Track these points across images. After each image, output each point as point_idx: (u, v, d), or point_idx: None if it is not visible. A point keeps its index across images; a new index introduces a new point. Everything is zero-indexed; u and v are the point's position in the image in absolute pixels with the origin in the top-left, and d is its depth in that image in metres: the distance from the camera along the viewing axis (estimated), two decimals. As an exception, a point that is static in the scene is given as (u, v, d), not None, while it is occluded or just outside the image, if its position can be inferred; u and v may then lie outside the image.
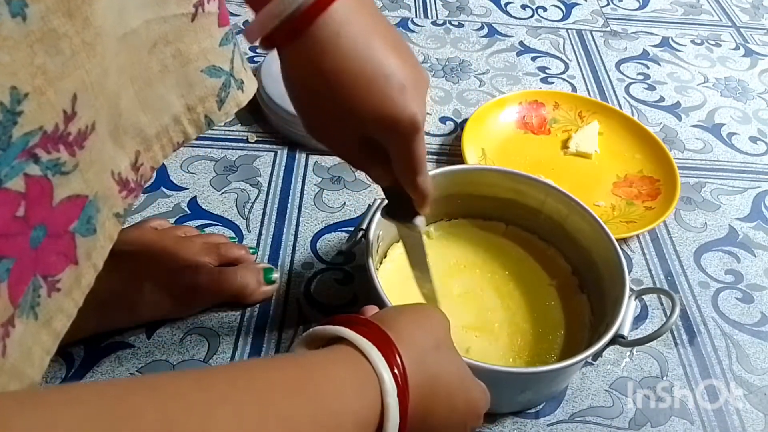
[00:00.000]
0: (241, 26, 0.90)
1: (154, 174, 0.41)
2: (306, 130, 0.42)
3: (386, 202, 0.48)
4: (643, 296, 0.63)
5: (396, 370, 0.31)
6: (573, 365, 0.47)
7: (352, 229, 0.63)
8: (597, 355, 0.56)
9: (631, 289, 0.51)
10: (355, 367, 0.30)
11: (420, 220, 0.46)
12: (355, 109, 0.37)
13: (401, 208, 0.46)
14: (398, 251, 0.60)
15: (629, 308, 0.51)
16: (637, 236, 0.68)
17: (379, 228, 0.53)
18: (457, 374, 0.36)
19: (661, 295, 0.63)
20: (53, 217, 0.30)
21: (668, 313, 0.53)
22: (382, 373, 0.30)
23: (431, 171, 0.49)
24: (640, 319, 0.61)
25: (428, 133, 0.77)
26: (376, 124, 0.38)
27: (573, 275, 0.60)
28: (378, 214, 0.53)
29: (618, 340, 0.49)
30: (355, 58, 0.36)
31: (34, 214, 0.28)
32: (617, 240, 0.54)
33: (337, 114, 0.39)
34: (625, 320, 0.50)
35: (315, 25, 0.36)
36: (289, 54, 0.38)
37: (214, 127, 0.69)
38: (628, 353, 0.58)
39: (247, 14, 0.93)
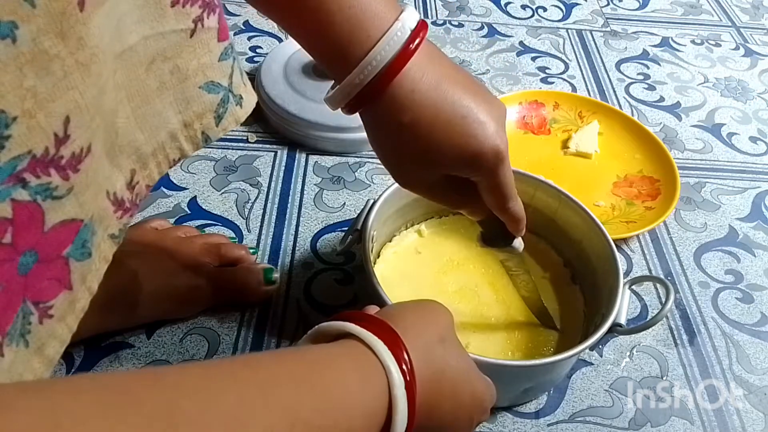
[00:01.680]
0: (241, 26, 0.91)
1: (149, 191, 0.40)
2: (396, 180, 0.45)
3: (481, 230, 0.49)
4: (643, 297, 0.63)
5: (403, 365, 0.31)
6: (574, 355, 0.48)
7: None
8: (594, 346, 0.56)
9: (625, 277, 0.52)
10: (362, 361, 0.30)
11: (518, 242, 0.48)
12: (439, 154, 0.40)
13: (497, 233, 0.47)
14: (391, 251, 0.60)
15: (624, 297, 0.51)
16: (637, 236, 0.68)
17: (373, 228, 0.54)
18: (463, 368, 0.36)
19: (657, 284, 0.63)
20: (45, 243, 0.29)
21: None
22: (389, 366, 0.30)
23: (521, 248, 0.50)
24: (640, 318, 0.61)
25: (428, 133, 0.77)
26: (461, 163, 0.40)
27: (565, 267, 0.61)
28: (372, 215, 0.53)
29: (615, 328, 0.50)
30: (431, 106, 0.39)
31: (23, 240, 0.28)
32: (617, 240, 0.54)
33: (423, 161, 0.41)
34: (621, 309, 0.50)
35: (391, 87, 0.38)
36: (371, 114, 0.41)
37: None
38: (628, 353, 0.58)
39: (247, 14, 0.93)
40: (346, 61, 0.38)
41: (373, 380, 0.30)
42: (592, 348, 0.57)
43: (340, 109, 0.42)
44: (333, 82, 0.42)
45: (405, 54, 0.38)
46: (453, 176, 0.42)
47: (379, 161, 0.75)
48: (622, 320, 0.50)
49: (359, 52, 0.38)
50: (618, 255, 0.53)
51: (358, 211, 0.56)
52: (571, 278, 0.60)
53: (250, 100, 0.46)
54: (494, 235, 0.48)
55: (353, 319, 0.32)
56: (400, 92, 0.38)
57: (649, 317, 0.61)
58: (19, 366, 0.29)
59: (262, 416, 0.25)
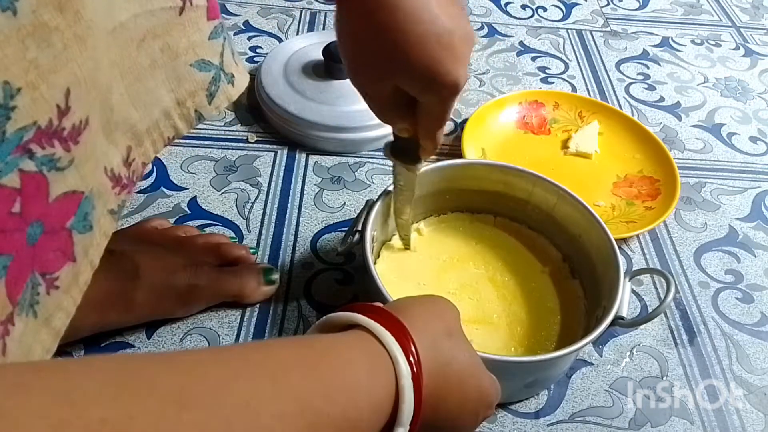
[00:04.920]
0: (241, 26, 0.91)
1: (146, 170, 0.41)
2: (350, 77, 0.43)
3: (392, 140, 0.50)
4: (643, 297, 0.63)
5: (410, 356, 0.31)
6: (578, 350, 0.48)
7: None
8: (597, 339, 0.56)
9: (626, 271, 0.52)
10: (369, 350, 0.30)
11: (421, 164, 0.50)
12: (400, 65, 0.39)
13: (407, 151, 0.49)
14: (390, 250, 0.60)
15: (625, 290, 0.51)
16: (637, 236, 0.68)
17: (374, 228, 0.54)
18: (469, 362, 0.36)
19: (656, 278, 0.64)
20: (50, 214, 0.30)
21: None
22: (397, 356, 0.30)
23: (421, 169, 0.53)
24: (639, 315, 0.61)
25: (428, 133, 0.77)
26: (419, 82, 0.39)
27: (564, 262, 0.61)
28: (372, 215, 0.53)
29: (618, 321, 0.50)
30: (409, 14, 0.37)
31: (30, 211, 0.28)
32: (618, 240, 0.54)
33: (381, 66, 0.40)
34: (622, 302, 0.50)
35: None
36: (347, 6, 0.39)
37: (214, 127, 0.69)
38: (628, 353, 0.58)
39: (247, 14, 0.93)
40: None
41: (381, 370, 0.30)
42: (595, 341, 0.57)
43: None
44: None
45: None
46: (400, 92, 0.41)
47: (379, 161, 0.76)
48: (624, 312, 0.51)
49: None
50: (617, 248, 0.53)
51: (358, 211, 0.56)
52: (570, 273, 0.60)
53: (242, 79, 0.46)
54: (404, 151, 0.50)
55: (361, 311, 0.32)
56: None
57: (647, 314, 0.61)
58: (28, 336, 0.30)
59: (273, 402, 0.25)
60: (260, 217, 0.66)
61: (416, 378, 0.30)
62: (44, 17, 0.27)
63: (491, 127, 0.77)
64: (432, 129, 0.44)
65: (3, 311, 0.28)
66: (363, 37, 0.39)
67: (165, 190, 0.67)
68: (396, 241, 0.61)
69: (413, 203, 0.56)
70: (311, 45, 0.79)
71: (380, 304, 0.38)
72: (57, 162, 0.29)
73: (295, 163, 0.72)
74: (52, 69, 0.28)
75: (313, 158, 0.73)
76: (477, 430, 0.51)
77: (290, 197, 0.68)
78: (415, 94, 0.41)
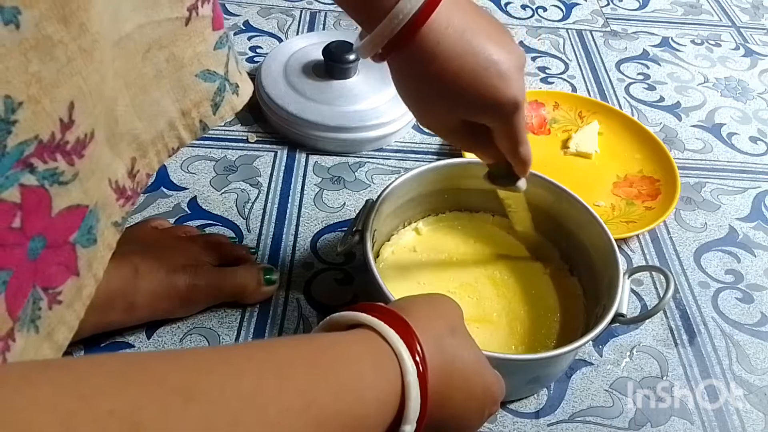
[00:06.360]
0: (241, 26, 0.91)
1: (150, 180, 0.41)
2: (418, 122, 0.48)
3: (488, 169, 0.53)
4: (643, 297, 0.63)
5: (416, 355, 0.31)
6: (579, 347, 0.48)
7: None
8: (598, 337, 0.56)
9: (625, 269, 0.52)
10: (375, 348, 0.31)
11: (522, 182, 0.51)
12: (461, 102, 0.42)
13: (504, 174, 0.51)
14: (390, 250, 0.60)
15: (625, 287, 0.51)
16: (637, 236, 0.68)
17: (373, 227, 0.54)
18: (474, 360, 0.36)
19: (655, 275, 0.64)
20: (52, 228, 0.29)
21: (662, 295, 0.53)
22: (402, 353, 0.30)
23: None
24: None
25: (429, 134, 0.77)
26: (481, 111, 0.43)
27: (562, 260, 0.61)
28: (372, 214, 0.53)
29: (618, 318, 0.50)
30: (456, 58, 0.40)
31: (32, 225, 0.28)
32: (618, 240, 0.54)
33: (445, 108, 0.44)
34: (622, 299, 0.51)
35: (418, 37, 0.40)
36: (397, 63, 0.43)
37: (215, 127, 0.69)
38: (628, 353, 0.58)
39: (247, 14, 0.93)
40: (376, 12, 0.40)
41: (386, 367, 0.30)
42: (595, 340, 0.57)
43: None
44: (361, 31, 0.43)
45: (430, 4, 0.39)
46: (471, 124, 0.44)
47: (379, 161, 0.76)
48: (624, 310, 0.51)
49: (388, 3, 0.39)
50: (615, 244, 0.53)
51: (358, 211, 0.56)
52: (569, 270, 0.60)
53: (247, 88, 0.46)
54: (501, 175, 0.51)
55: (365, 310, 0.32)
56: (426, 44, 0.40)
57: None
58: (30, 352, 0.30)
59: (278, 398, 0.25)
60: (260, 217, 0.66)
61: (422, 376, 0.30)
62: (48, 30, 0.26)
63: (491, 127, 0.77)
64: (512, 149, 0.46)
65: (3, 327, 0.28)
66: (422, 88, 0.43)
67: (165, 190, 0.67)
68: (394, 241, 0.61)
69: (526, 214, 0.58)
70: (311, 45, 0.79)
71: (383, 304, 0.38)
72: (60, 176, 0.29)
73: (295, 163, 0.72)
74: (55, 82, 0.27)
75: (313, 158, 0.73)
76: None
77: (290, 197, 0.68)
78: (483, 122, 0.44)
